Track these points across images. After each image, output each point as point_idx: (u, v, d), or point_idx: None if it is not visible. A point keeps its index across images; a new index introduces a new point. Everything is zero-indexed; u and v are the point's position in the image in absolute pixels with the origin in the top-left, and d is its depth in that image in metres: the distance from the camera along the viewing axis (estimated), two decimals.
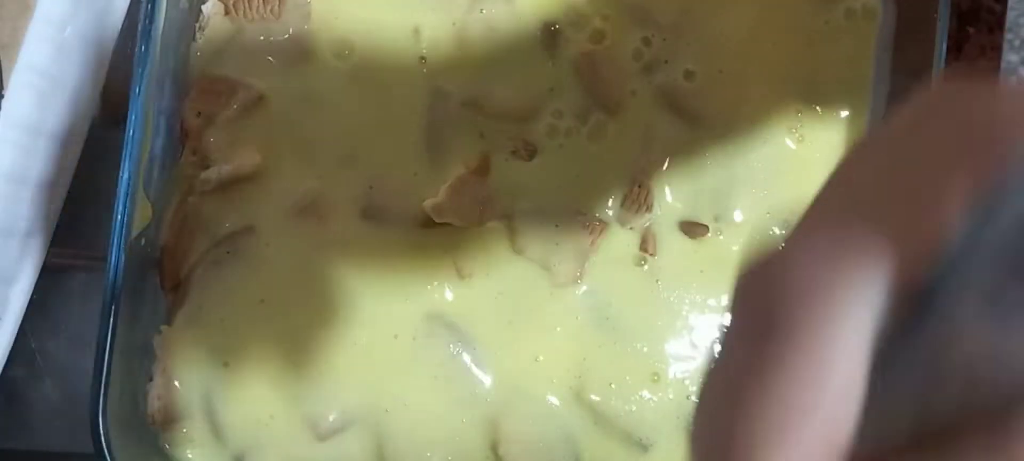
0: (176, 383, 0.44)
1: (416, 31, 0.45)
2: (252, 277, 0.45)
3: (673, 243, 0.45)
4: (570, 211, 0.45)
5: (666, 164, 0.45)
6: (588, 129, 0.45)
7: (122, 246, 0.41)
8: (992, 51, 0.50)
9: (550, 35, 0.45)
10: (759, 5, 0.45)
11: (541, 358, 0.45)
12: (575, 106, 0.45)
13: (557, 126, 0.45)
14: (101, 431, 0.41)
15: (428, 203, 0.45)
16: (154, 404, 0.44)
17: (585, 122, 0.45)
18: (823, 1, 0.45)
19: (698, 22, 0.45)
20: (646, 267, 0.45)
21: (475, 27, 0.46)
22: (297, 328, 0.45)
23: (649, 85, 0.45)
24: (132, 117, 0.42)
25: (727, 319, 0.18)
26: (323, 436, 0.45)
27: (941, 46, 0.41)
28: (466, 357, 0.45)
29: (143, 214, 0.43)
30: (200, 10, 0.45)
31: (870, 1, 0.45)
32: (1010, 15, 0.51)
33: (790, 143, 0.45)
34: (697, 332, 0.45)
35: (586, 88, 0.45)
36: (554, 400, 0.45)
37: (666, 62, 0.45)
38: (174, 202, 0.45)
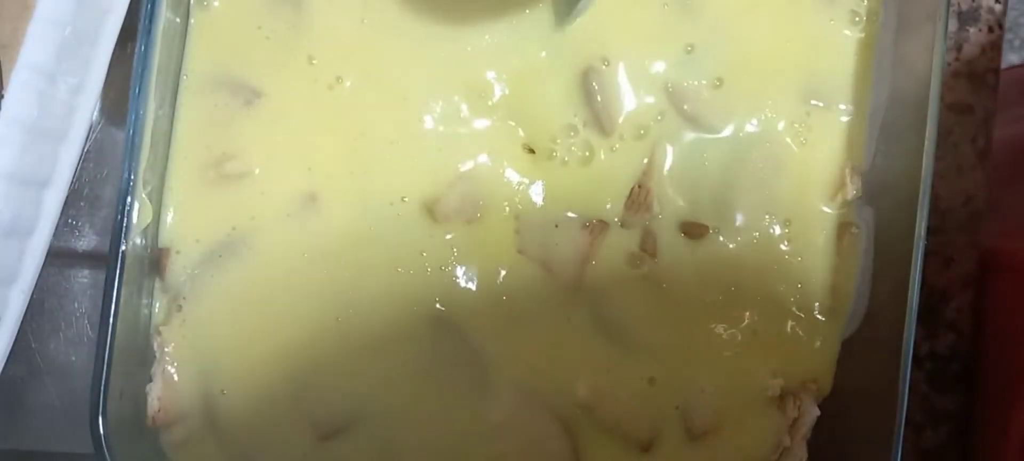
0: (176, 383, 0.44)
1: None
2: (252, 277, 0.45)
3: (673, 243, 0.45)
4: (571, 211, 0.45)
5: (667, 164, 0.45)
6: (591, 129, 0.45)
7: (122, 246, 0.41)
8: (992, 51, 0.50)
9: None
10: (768, 5, 0.45)
11: (541, 358, 0.45)
12: (582, 109, 0.45)
13: (561, 127, 0.45)
14: (101, 431, 0.41)
15: (430, 202, 0.45)
16: (154, 404, 0.44)
17: (588, 123, 0.45)
18: (827, 2, 0.45)
19: (730, 24, 0.45)
20: (646, 267, 0.45)
21: None
22: (297, 328, 0.45)
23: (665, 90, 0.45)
24: (132, 117, 0.42)
25: None
26: (324, 436, 0.45)
27: (941, 46, 0.41)
28: (466, 358, 0.45)
29: (143, 214, 0.43)
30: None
31: (872, 2, 0.45)
32: (1010, 15, 0.51)
33: (791, 143, 0.45)
34: (696, 333, 0.45)
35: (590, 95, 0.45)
36: (553, 400, 0.45)
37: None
38: (174, 202, 0.45)
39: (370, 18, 0.45)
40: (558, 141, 0.45)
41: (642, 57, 0.45)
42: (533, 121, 0.45)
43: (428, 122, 0.45)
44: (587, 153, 0.45)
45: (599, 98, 0.45)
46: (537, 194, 0.45)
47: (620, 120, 0.45)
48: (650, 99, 0.45)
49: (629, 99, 0.45)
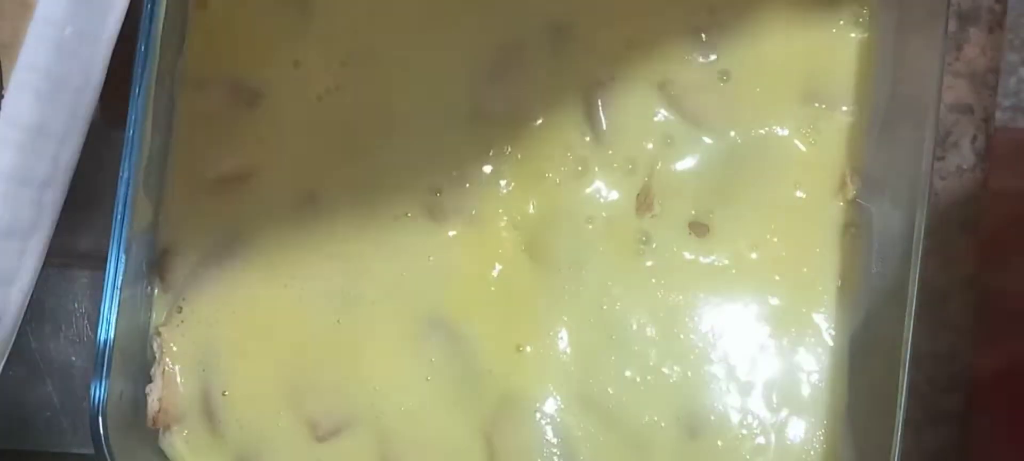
0: (176, 384, 0.45)
1: None
2: (252, 278, 0.45)
3: (674, 242, 0.45)
4: (571, 209, 0.45)
5: (669, 164, 0.45)
6: (592, 140, 0.45)
7: (122, 246, 0.41)
8: (992, 51, 0.50)
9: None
10: (776, 5, 0.45)
11: (540, 358, 0.45)
12: (582, 124, 0.45)
13: (559, 144, 0.45)
14: (101, 431, 0.41)
15: (430, 204, 0.45)
16: (154, 405, 0.44)
17: (589, 135, 0.45)
18: (831, 3, 0.45)
19: (740, 18, 0.45)
20: (646, 266, 0.45)
21: None
22: (296, 329, 0.45)
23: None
24: (132, 117, 0.42)
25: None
26: (322, 437, 0.45)
27: (941, 46, 0.41)
28: (465, 357, 0.45)
29: (143, 214, 0.43)
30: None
31: (874, 2, 0.45)
32: (1010, 15, 0.51)
33: (793, 143, 0.45)
34: (696, 332, 0.45)
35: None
36: (553, 400, 0.45)
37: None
38: (174, 202, 0.45)
39: (371, 26, 0.45)
40: (555, 156, 0.45)
41: (645, 68, 0.45)
42: (533, 136, 0.45)
43: (427, 128, 0.45)
44: (585, 162, 0.45)
45: (601, 111, 0.45)
46: (534, 206, 0.45)
47: (623, 125, 0.45)
48: (652, 101, 0.45)
49: (631, 107, 0.45)
